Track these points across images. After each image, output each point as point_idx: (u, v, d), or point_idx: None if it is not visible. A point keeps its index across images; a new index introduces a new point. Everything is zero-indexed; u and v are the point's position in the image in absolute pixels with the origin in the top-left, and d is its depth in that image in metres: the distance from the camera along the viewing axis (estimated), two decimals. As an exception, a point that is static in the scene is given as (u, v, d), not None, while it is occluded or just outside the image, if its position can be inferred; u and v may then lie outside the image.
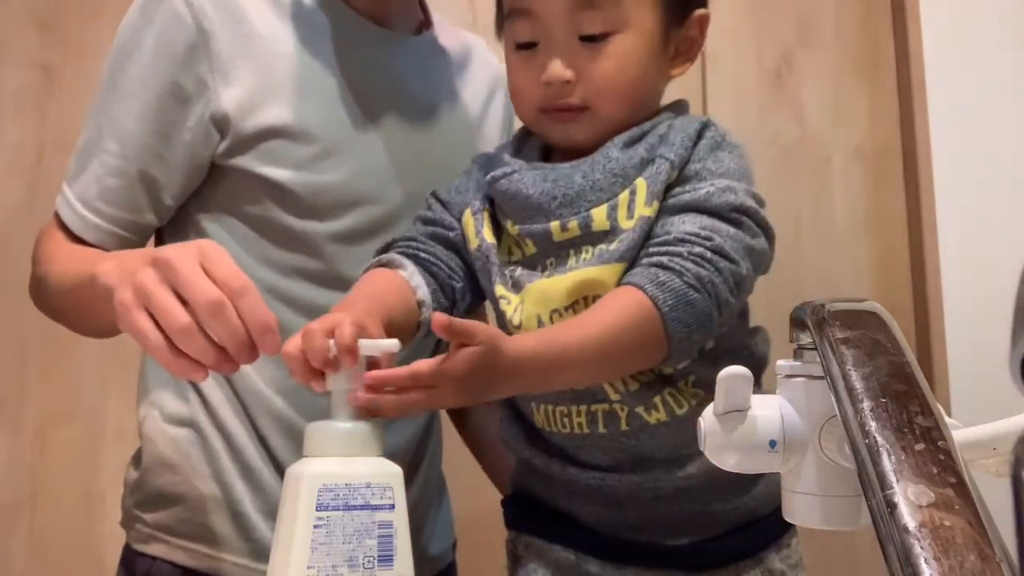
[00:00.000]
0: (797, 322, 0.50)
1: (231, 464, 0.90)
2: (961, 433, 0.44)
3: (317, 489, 0.61)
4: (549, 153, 0.86)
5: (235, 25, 0.87)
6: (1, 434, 1.60)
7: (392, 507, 0.62)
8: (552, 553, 0.86)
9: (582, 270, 0.76)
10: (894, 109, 1.70)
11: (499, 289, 0.81)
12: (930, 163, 1.62)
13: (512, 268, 0.82)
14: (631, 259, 0.75)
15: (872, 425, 0.36)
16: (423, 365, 0.63)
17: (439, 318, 0.62)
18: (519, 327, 0.79)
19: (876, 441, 0.35)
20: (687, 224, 0.75)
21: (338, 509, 0.61)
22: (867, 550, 1.53)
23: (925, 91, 1.63)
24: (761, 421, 0.50)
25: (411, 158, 0.95)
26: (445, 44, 1.05)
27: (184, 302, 0.65)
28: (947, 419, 0.38)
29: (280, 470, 0.86)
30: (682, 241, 0.73)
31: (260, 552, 0.88)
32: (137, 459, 0.96)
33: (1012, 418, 0.44)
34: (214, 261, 0.66)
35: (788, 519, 0.52)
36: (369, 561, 0.60)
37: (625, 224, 0.76)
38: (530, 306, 0.78)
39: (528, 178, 0.80)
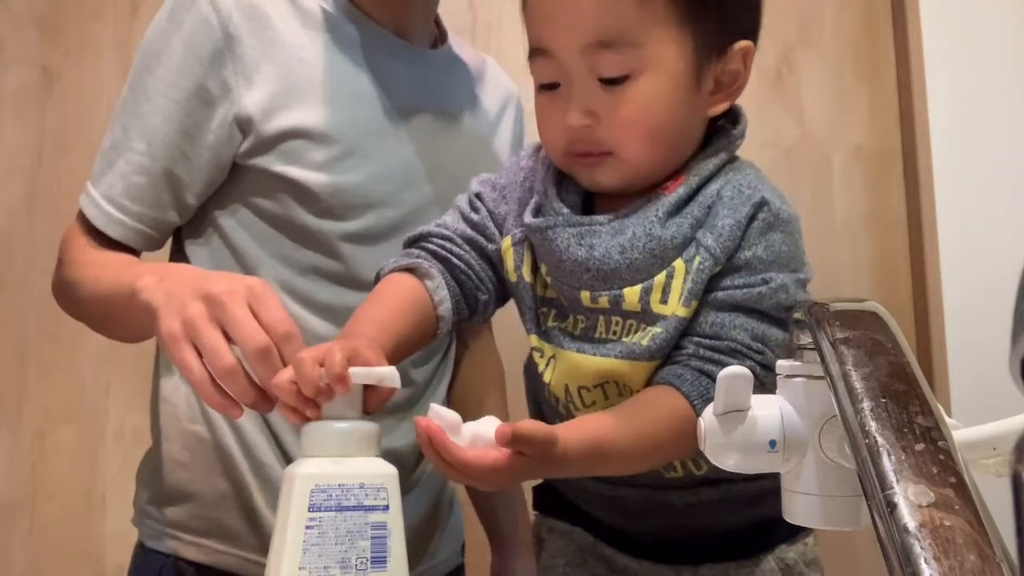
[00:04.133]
0: (797, 322, 0.50)
1: (243, 461, 0.91)
2: (961, 433, 0.44)
3: (309, 490, 0.60)
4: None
5: (260, 31, 0.90)
6: (1, 434, 1.60)
7: (386, 508, 0.62)
8: (573, 534, 0.89)
9: (611, 360, 0.76)
10: (894, 109, 1.69)
11: (533, 339, 0.82)
12: (930, 163, 1.62)
13: (544, 311, 0.82)
14: (662, 357, 0.75)
15: (872, 425, 0.36)
16: (474, 460, 0.61)
17: (503, 431, 0.60)
18: (548, 384, 0.80)
19: (876, 441, 0.35)
20: (738, 331, 0.74)
21: (330, 510, 0.60)
22: (867, 550, 1.52)
23: (925, 91, 1.63)
24: (761, 421, 0.50)
25: (426, 165, 0.97)
26: (461, 58, 1.07)
27: (229, 340, 0.67)
28: (947, 419, 0.37)
29: None
30: (735, 352, 0.73)
31: None
32: (149, 457, 0.97)
33: (1012, 418, 0.44)
34: (263, 303, 0.68)
35: (788, 519, 0.52)
36: (362, 562, 0.60)
37: (657, 308, 0.74)
38: (560, 374, 0.79)
39: (562, 239, 0.77)
